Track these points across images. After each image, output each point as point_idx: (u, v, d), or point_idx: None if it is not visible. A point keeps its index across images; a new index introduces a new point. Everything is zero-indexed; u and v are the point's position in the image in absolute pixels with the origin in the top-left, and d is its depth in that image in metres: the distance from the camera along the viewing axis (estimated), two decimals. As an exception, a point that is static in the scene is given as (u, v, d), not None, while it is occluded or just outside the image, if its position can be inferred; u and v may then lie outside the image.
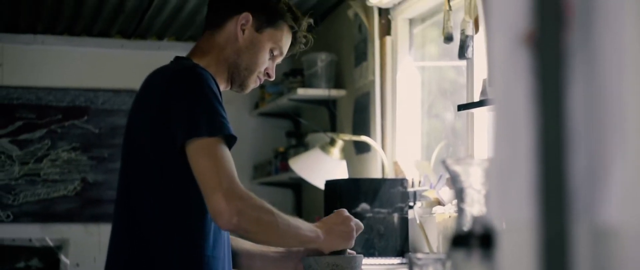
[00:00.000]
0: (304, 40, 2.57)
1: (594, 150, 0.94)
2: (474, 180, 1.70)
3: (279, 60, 2.55)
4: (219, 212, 2.11)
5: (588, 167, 0.94)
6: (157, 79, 2.35)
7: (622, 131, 0.91)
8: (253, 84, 2.52)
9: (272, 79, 2.56)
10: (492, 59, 1.04)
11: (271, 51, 2.51)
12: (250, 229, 2.17)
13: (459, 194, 1.72)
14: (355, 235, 2.38)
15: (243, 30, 2.48)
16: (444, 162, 1.73)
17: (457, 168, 1.69)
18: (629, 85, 0.91)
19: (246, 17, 2.48)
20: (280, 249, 2.53)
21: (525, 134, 0.97)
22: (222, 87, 2.45)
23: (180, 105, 2.23)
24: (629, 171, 0.90)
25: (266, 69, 2.52)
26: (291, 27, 2.53)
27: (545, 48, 0.94)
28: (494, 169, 1.04)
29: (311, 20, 2.58)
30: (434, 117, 4.34)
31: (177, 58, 2.47)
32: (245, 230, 2.17)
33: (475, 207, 1.70)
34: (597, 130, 0.94)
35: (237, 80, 2.49)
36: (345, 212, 2.40)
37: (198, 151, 2.17)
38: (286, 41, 2.53)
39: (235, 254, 2.54)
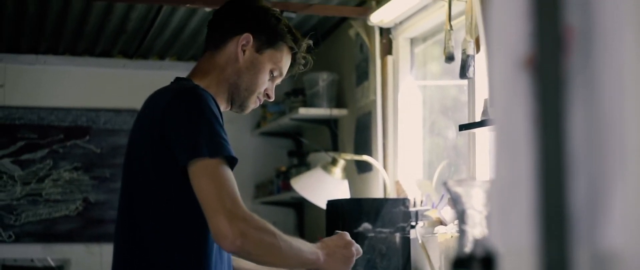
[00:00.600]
0: (303, 61, 2.58)
1: (594, 175, 0.94)
2: (476, 201, 1.69)
3: (278, 81, 2.56)
4: (223, 234, 2.11)
5: (589, 192, 0.94)
6: (157, 100, 2.36)
7: (622, 155, 0.91)
8: (253, 104, 2.52)
9: (272, 99, 2.57)
10: (492, 82, 1.04)
11: (271, 72, 2.51)
12: (253, 251, 2.17)
13: (461, 216, 1.71)
14: (354, 261, 2.40)
15: (244, 51, 2.49)
16: (445, 184, 1.72)
17: (458, 190, 1.69)
18: (629, 110, 0.91)
19: (247, 38, 2.48)
20: (280, 271, 2.53)
21: (526, 158, 0.97)
22: (222, 108, 2.45)
23: (181, 126, 2.23)
24: (630, 196, 0.90)
25: (266, 89, 2.53)
26: (291, 48, 2.53)
27: (545, 72, 0.94)
28: (494, 192, 1.03)
29: (311, 42, 2.59)
30: (436, 135, 4.34)
31: (177, 79, 2.48)
32: (248, 252, 2.17)
33: (477, 228, 1.70)
34: (598, 155, 0.94)
35: (237, 100, 2.49)
36: (348, 235, 2.41)
37: (200, 172, 2.17)
38: (286, 62, 2.54)
39: (237, 275, 2.54)
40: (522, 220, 0.98)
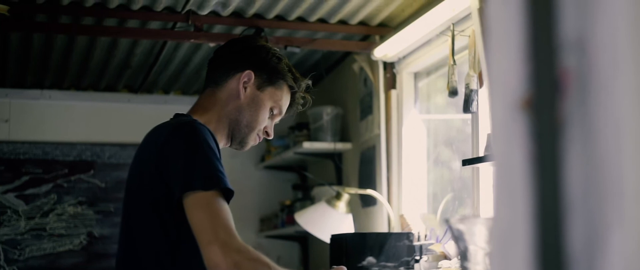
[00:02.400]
0: (302, 100, 2.60)
1: (592, 216, 0.94)
2: (479, 239, 1.69)
3: (277, 119, 2.58)
4: (216, 265, 2.12)
5: (586, 233, 0.94)
6: (155, 135, 2.38)
7: (620, 197, 0.91)
8: (252, 141, 2.54)
9: (271, 137, 2.59)
10: (492, 122, 1.04)
11: (271, 110, 2.54)
12: None
13: (463, 253, 1.71)
14: None
15: (245, 88, 2.51)
16: (447, 221, 1.72)
17: (461, 227, 1.69)
18: (626, 152, 0.91)
19: (248, 75, 2.51)
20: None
21: (524, 199, 0.97)
22: (221, 144, 2.47)
23: (177, 159, 2.25)
24: (628, 238, 0.90)
25: (265, 127, 2.54)
26: (291, 87, 2.55)
27: (542, 114, 0.94)
28: (495, 232, 1.04)
29: (310, 82, 2.61)
30: (440, 166, 4.34)
31: (176, 115, 2.50)
32: None
33: (479, 266, 1.69)
34: (595, 197, 0.94)
35: (237, 137, 2.51)
36: (344, 269, 2.42)
37: (194, 205, 2.18)
38: (286, 101, 2.56)
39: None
40: (521, 261, 0.97)
